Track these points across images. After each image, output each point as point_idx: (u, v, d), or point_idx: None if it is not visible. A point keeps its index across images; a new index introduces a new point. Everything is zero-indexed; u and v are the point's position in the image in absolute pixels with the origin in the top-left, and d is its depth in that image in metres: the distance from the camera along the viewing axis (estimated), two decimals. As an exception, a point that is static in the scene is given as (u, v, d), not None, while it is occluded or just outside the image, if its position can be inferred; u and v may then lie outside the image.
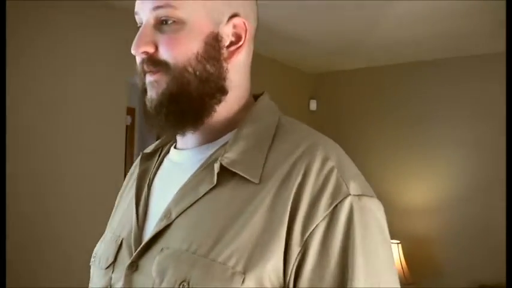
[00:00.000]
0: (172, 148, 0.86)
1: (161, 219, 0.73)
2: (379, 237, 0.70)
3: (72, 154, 2.52)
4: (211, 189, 0.71)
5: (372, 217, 0.70)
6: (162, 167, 0.86)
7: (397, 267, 3.44)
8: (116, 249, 0.79)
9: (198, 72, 0.74)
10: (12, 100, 2.22)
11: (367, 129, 4.08)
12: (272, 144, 0.74)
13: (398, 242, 3.53)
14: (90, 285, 0.88)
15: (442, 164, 3.68)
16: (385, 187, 3.95)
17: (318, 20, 2.95)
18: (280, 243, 0.65)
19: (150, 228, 0.75)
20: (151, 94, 0.77)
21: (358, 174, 0.75)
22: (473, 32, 3.07)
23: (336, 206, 0.66)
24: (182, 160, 0.81)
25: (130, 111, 4.24)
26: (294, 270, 0.65)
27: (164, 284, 0.67)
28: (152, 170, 0.87)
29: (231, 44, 0.79)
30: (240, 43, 0.80)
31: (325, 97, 4.36)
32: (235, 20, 0.78)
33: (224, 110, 0.78)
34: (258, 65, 3.80)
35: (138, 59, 0.80)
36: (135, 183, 0.85)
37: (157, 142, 0.93)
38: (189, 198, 0.72)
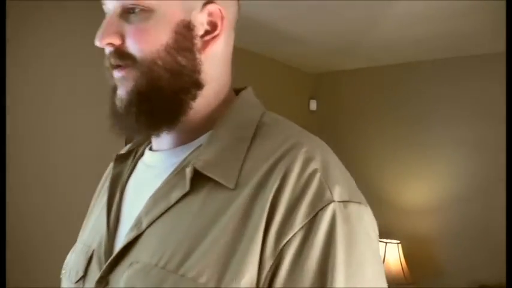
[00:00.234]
0: (147, 149, 0.79)
1: (131, 229, 0.67)
2: (367, 250, 0.61)
3: (72, 154, 2.51)
4: (184, 195, 0.64)
5: (359, 227, 0.62)
6: (135, 170, 0.79)
7: (397, 267, 3.44)
8: (86, 262, 0.72)
9: (168, 66, 0.67)
10: (12, 100, 2.22)
11: (367, 129, 4.09)
12: (251, 145, 0.67)
13: (399, 242, 3.53)
14: None
15: (442, 164, 3.68)
16: (385, 187, 3.95)
17: (318, 20, 2.95)
18: (255, 256, 0.58)
19: (122, 239, 0.68)
20: (120, 92, 0.70)
21: (347, 178, 0.67)
22: (473, 32, 3.07)
23: (317, 214, 0.59)
24: (156, 163, 0.74)
25: (130, 111, 4.24)
26: (265, 287, 0.58)
27: None
28: (126, 173, 0.80)
29: (206, 33, 0.70)
30: (216, 32, 0.71)
31: (325, 97, 4.36)
32: (211, 7, 0.70)
33: (201, 106, 0.71)
34: (258, 65, 3.80)
35: (106, 52, 0.71)
36: (108, 188, 0.79)
37: (132, 142, 0.86)
38: (160, 206, 0.66)
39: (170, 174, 0.68)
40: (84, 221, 0.87)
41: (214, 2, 0.70)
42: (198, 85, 0.70)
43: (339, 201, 0.61)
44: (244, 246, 0.58)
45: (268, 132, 0.68)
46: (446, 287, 3.60)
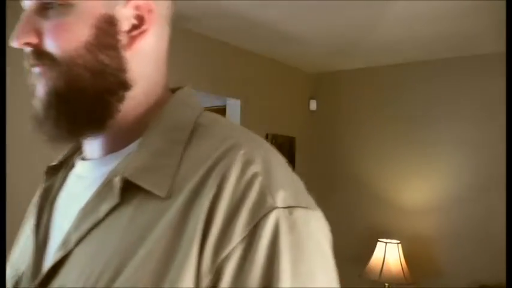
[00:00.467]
0: (79, 159, 0.72)
1: (59, 248, 0.60)
2: (317, 259, 0.55)
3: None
4: (114, 208, 0.58)
5: (307, 234, 0.56)
6: (66, 182, 0.72)
7: (397, 267, 3.44)
8: (13, 287, 0.65)
9: (89, 65, 0.60)
10: (12, 100, 2.21)
11: (366, 129, 4.09)
12: (186, 149, 0.60)
13: (399, 242, 3.53)
14: None
15: (442, 164, 3.68)
16: (385, 187, 3.95)
17: (318, 20, 2.95)
18: (191, 272, 0.52)
19: (51, 258, 0.61)
20: (39, 94, 0.63)
21: (292, 181, 0.62)
22: (474, 32, 3.07)
23: (258, 223, 0.53)
24: (86, 173, 0.67)
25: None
26: None
27: None
28: (57, 186, 0.73)
29: (133, 28, 0.63)
30: (144, 27, 0.63)
31: (325, 97, 4.36)
32: (137, 0, 0.63)
33: (130, 109, 0.64)
34: (258, 65, 3.81)
35: (25, 52, 0.64)
36: (37, 203, 0.71)
37: (64, 152, 0.78)
38: (89, 220, 0.59)
39: (100, 186, 0.62)
40: (14, 242, 0.77)
41: None
42: (125, 85, 0.63)
43: (283, 207, 0.55)
44: (178, 261, 0.52)
45: (205, 133, 0.62)
46: (446, 287, 3.60)
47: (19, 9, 0.64)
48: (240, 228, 0.52)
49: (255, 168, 0.57)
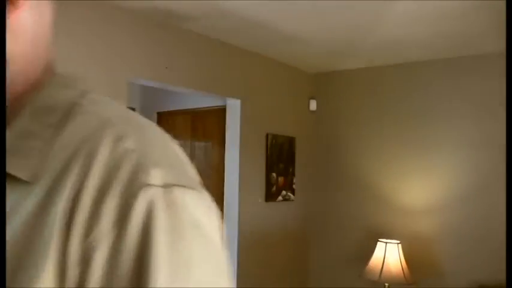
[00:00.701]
0: None
1: None
2: (196, 244, 0.48)
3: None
4: None
5: (186, 216, 0.49)
6: None
7: (397, 267, 3.44)
8: None
9: None
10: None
11: (367, 129, 4.09)
12: (59, 131, 0.55)
13: (399, 242, 3.53)
14: None
15: (442, 164, 3.68)
16: (385, 187, 3.95)
17: (318, 20, 2.95)
18: (54, 265, 0.46)
19: None
20: None
21: (174, 159, 0.54)
22: (473, 31, 3.07)
23: (130, 204, 0.46)
24: None
25: (130, 111, 4.25)
26: None
27: None
28: None
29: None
30: (16, 2, 0.57)
31: (325, 97, 4.36)
32: None
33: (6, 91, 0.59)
34: (258, 65, 3.81)
35: None
36: None
37: None
38: None
39: None
40: None
41: None
42: None
43: (159, 186, 0.48)
44: (39, 254, 0.46)
45: (81, 113, 0.56)
46: (446, 287, 3.60)
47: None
48: (109, 211, 0.46)
49: (127, 143, 0.50)
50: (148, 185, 0.47)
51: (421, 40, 3.28)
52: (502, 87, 3.14)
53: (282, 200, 4.00)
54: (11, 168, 0.51)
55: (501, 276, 3.09)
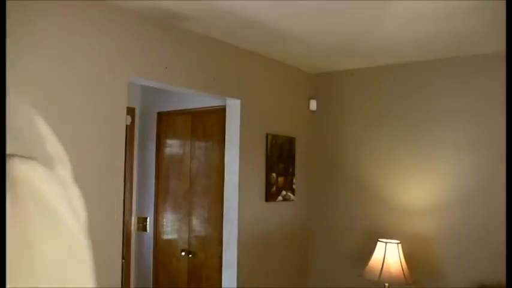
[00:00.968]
0: None
1: None
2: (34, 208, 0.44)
3: (71, 154, 2.51)
4: None
5: (23, 184, 0.44)
6: None
7: (397, 267, 3.43)
8: None
9: None
10: (12, 99, 2.21)
11: (367, 129, 4.08)
12: None
13: (399, 242, 3.53)
14: None
15: (442, 164, 3.68)
16: (385, 187, 3.95)
17: (318, 20, 2.95)
18: None
19: None
20: None
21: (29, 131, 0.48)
22: (474, 31, 3.07)
23: None
24: None
25: (130, 111, 4.25)
26: None
27: None
28: None
29: None
30: None
31: (325, 97, 4.36)
32: None
33: None
34: (258, 64, 3.81)
35: None
36: None
37: None
38: None
39: None
40: None
41: None
42: None
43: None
44: None
45: None
46: (446, 287, 3.60)
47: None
48: None
49: None
50: None
51: (421, 40, 3.28)
52: (502, 87, 3.14)
53: (282, 200, 4.00)
54: None
55: (501, 276, 3.09)
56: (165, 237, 4.30)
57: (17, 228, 0.42)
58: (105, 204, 2.67)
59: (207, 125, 4.06)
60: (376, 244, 3.58)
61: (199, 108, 4.07)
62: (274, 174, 3.91)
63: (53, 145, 0.54)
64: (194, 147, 4.15)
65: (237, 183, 3.57)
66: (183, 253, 4.14)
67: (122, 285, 3.15)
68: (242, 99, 3.60)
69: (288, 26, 3.08)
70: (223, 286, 3.62)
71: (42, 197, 0.45)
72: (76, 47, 2.53)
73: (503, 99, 3.10)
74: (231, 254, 3.58)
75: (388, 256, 3.47)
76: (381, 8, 2.70)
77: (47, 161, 0.49)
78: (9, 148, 0.45)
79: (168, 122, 4.33)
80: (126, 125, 2.96)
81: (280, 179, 3.99)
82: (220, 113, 3.81)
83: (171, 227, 4.26)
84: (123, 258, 3.27)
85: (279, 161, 3.97)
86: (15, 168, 0.44)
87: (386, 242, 3.52)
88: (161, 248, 4.32)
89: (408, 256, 3.56)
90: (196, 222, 4.10)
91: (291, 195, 4.11)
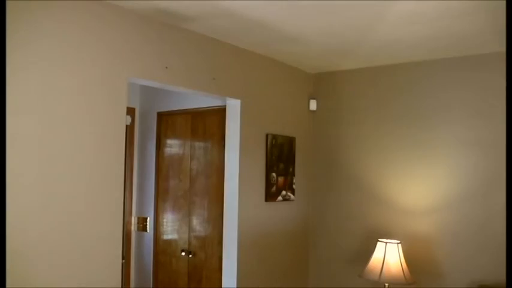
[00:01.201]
0: None
1: None
2: None
3: (71, 154, 2.51)
4: None
5: None
6: None
7: (397, 267, 3.43)
8: None
9: None
10: (12, 100, 2.21)
11: (367, 129, 4.08)
12: None
13: (399, 242, 3.53)
14: None
15: (443, 164, 3.68)
16: (385, 187, 3.95)
17: (318, 20, 2.95)
18: None
19: None
20: None
21: None
22: (474, 31, 3.07)
23: None
24: None
25: (130, 111, 4.25)
26: None
27: None
28: None
29: None
30: None
31: (325, 97, 4.36)
32: None
33: None
34: (258, 64, 3.81)
35: None
36: None
37: None
38: None
39: None
40: None
41: None
42: None
43: None
44: None
45: None
46: (446, 287, 3.59)
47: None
48: None
49: None
50: None
51: (420, 40, 3.28)
52: (501, 87, 3.14)
53: (282, 200, 4.00)
54: None
55: (501, 276, 3.09)
56: (165, 237, 4.30)
57: None
58: (105, 204, 2.67)
59: (207, 125, 4.06)
60: (376, 244, 3.58)
61: (199, 108, 4.07)
62: (274, 174, 3.91)
63: None
64: (194, 147, 4.15)
65: (237, 183, 3.57)
66: (183, 253, 4.14)
67: (122, 285, 3.15)
68: (242, 99, 3.60)
69: (288, 26, 3.08)
70: (223, 286, 3.62)
71: None
72: (76, 47, 2.53)
73: (503, 99, 3.10)
74: (231, 254, 3.58)
75: (388, 256, 3.47)
76: (380, 8, 2.70)
77: None
78: None
79: (168, 122, 4.33)
80: (126, 125, 2.96)
81: (280, 179, 3.99)
82: (220, 113, 3.81)
83: (171, 227, 4.26)
84: (123, 258, 3.27)
85: (279, 161, 3.97)
86: None
87: (386, 242, 3.52)
88: (161, 248, 4.32)
89: (408, 256, 3.56)
90: (196, 222, 4.10)
91: (291, 195, 4.11)
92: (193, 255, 4.08)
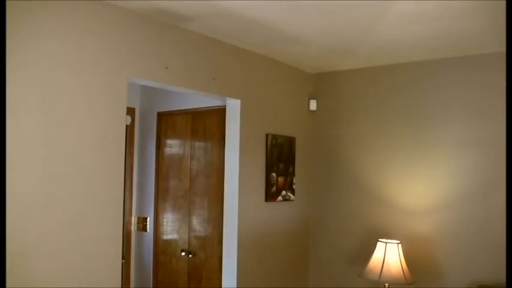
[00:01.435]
0: None
1: None
2: None
3: (71, 154, 2.51)
4: None
5: None
6: None
7: (397, 267, 3.43)
8: None
9: None
10: (12, 100, 2.21)
11: (367, 129, 4.08)
12: None
13: (399, 242, 3.53)
14: None
15: (442, 164, 3.68)
16: (385, 187, 3.95)
17: (318, 20, 2.95)
18: None
19: None
20: None
21: None
22: (474, 32, 3.07)
23: None
24: None
25: (131, 111, 4.25)
26: None
27: None
28: None
29: None
30: None
31: (325, 97, 4.36)
32: None
33: None
34: (258, 64, 3.81)
35: None
36: None
37: None
38: None
39: None
40: None
41: None
42: None
43: None
44: None
45: None
46: (446, 287, 3.59)
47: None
48: None
49: None
50: None
51: (420, 40, 3.28)
52: (501, 87, 3.14)
53: (282, 200, 4.00)
54: None
55: (501, 276, 3.09)
56: (165, 237, 4.30)
57: None
58: (105, 204, 2.67)
59: (207, 125, 4.06)
60: (376, 244, 3.58)
61: (199, 108, 4.07)
62: (274, 174, 3.91)
63: None
64: (194, 147, 4.15)
65: (237, 183, 3.57)
66: (183, 253, 4.14)
67: (121, 285, 3.15)
68: (242, 99, 3.60)
69: (288, 26, 3.08)
70: (223, 286, 3.62)
71: None
72: (76, 47, 2.53)
73: (503, 99, 3.10)
74: (231, 254, 3.58)
75: (388, 256, 3.47)
76: (380, 8, 2.70)
77: None
78: None
79: (168, 122, 4.33)
80: (126, 125, 2.96)
81: (280, 179, 3.99)
82: (220, 113, 3.81)
83: (171, 227, 4.27)
84: (123, 258, 3.27)
85: (279, 161, 3.97)
86: None
87: (386, 242, 3.52)
88: (161, 248, 4.32)
89: (408, 256, 3.56)
90: (196, 222, 4.10)
91: (291, 195, 4.11)
92: (193, 255, 4.08)
